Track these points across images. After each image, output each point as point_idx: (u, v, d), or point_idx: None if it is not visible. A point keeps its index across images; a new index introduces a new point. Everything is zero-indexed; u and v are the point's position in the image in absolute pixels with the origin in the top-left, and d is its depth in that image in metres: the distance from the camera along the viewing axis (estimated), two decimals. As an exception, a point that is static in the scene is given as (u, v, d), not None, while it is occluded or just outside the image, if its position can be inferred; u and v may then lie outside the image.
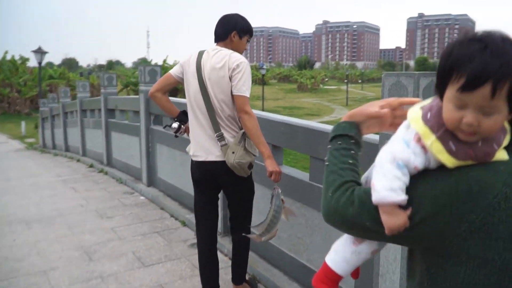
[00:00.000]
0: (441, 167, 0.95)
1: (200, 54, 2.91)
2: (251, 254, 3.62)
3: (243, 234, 2.96)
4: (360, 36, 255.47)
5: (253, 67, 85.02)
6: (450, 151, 0.93)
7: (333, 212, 1.08)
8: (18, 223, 4.97)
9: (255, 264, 3.70)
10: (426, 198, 0.95)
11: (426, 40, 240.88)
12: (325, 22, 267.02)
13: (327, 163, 1.14)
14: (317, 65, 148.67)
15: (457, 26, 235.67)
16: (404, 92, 2.23)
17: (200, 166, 2.96)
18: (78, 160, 9.49)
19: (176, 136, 3.30)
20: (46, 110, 14.76)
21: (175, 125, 3.18)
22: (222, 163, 2.85)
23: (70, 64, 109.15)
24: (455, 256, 0.94)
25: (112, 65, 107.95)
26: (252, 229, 2.92)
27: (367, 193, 1.02)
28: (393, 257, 2.30)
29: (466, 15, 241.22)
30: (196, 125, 2.93)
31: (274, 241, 3.63)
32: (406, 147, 0.98)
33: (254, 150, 2.93)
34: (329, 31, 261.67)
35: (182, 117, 3.19)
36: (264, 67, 41.23)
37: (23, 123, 23.64)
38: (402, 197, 0.96)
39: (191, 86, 2.91)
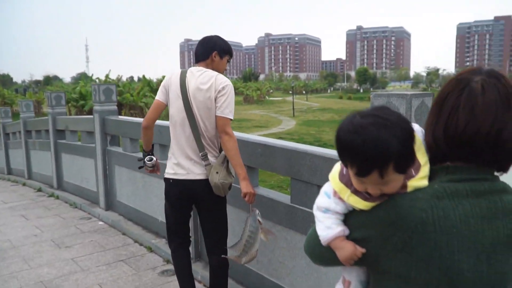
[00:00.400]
0: None
1: (183, 73, 2.92)
2: (229, 281, 3.52)
3: (223, 256, 2.97)
4: (302, 48, 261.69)
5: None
6: (365, 199, 1.10)
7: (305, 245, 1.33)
8: (-36, 259, 4.54)
9: None
10: (359, 228, 1.14)
11: (365, 52, 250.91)
12: (268, 35, 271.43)
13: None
14: (261, 77, 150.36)
15: (393, 38, 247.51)
16: (395, 113, 2.21)
17: (178, 184, 2.94)
18: (24, 184, 8.85)
19: (141, 167, 3.25)
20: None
21: (153, 161, 3.19)
22: (204, 182, 2.89)
23: (3, 80, 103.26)
24: (387, 273, 1.10)
25: (49, 81, 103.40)
26: (229, 250, 2.94)
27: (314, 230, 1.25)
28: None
29: (402, 27, 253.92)
30: (176, 144, 2.94)
31: (253, 266, 3.52)
32: (327, 198, 1.20)
33: (233, 171, 2.98)
34: (271, 43, 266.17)
35: (153, 151, 3.22)
36: None
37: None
38: (338, 229, 1.16)
39: (175, 106, 2.91)
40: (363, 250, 1.12)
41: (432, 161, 1.12)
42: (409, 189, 1.07)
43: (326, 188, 1.22)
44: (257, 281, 3.50)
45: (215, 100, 2.84)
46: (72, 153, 6.87)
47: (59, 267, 4.23)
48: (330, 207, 1.18)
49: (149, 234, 4.85)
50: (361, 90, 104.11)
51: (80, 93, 38.77)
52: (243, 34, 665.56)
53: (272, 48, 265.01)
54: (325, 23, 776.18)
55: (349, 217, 1.17)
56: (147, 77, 43.39)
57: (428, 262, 1.01)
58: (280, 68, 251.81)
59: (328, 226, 1.18)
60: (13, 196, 7.68)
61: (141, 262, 4.31)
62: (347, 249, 1.14)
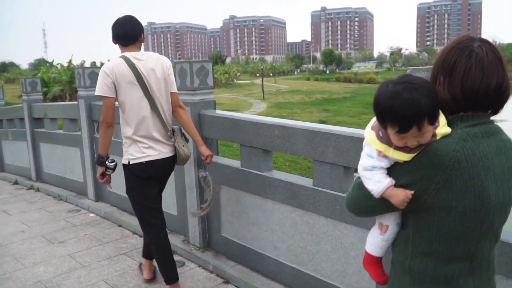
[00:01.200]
0: None
1: (128, 60, 2.96)
2: (243, 270, 3.58)
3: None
4: (267, 30, 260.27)
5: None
6: (407, 152, 1.32)
7: (348, 200, 1.56)
8: None
9: (251, 279, 3.43)
10: (404, 175, 1.35)
11: (330, 33, 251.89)
12: (232, 17, 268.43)
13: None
14: (228, 60, 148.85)
15: (357, 19, 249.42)
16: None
17: (154, 164, 3.10)
18: (-4, 177, 8.39)
19: (111, 171, 3.25)
20: None
21: (115, 163, 3.20)
22: (172, 158, 3.19)
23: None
24: (431, 209, 1.31)
25: (5, 67, 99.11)
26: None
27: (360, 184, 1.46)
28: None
29: (365, 8, 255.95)
30: (139, 128, 3.03)
31: (269, 253, 3.39)
32: (371, 158, 1.40)
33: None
34: (236, 25, 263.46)
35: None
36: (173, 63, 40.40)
37: None
38: (387, 180, 1.38)
39: (131, 95, 2.98)
40: (412, 192, 1.32)
41: (444, 113, 1.37)
42: (438, 137, 1.31)
43: (367, 150, 1.43)
44: (275, 268, 3.37)
45: (165, 80, 3.08)
46: (53, 142, 6.49)
47: (56, 264, 3.97)
48: (376, 164, 1.39)
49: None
50: (327, 71, 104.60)
51: (43, 80, 37.33)
52: (207, 17, 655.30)
53: (238, 30, 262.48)
54: (289, 4, 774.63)
55: (393, 169, 1.39)
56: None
57: (465, 192, 1.27)
58: (246, 50, 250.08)
59: (377, 181, 1.38)
60: (-13, 191, 7.23)
61: (143, 254, 4.10)
62: (399, 194, 1.34)
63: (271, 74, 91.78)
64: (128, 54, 3.00)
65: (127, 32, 3.02)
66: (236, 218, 3.71)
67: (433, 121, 1.28)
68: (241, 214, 3.65)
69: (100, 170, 3.22)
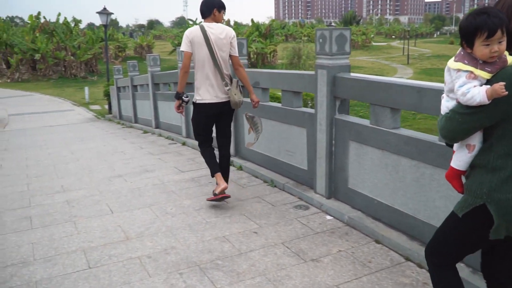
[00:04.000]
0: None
1: (202, 28, 4.27)
2: (364, 217, 3.44)
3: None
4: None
5: (296, 23, 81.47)
6: (488, 72, 1.78)
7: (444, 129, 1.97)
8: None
9: (371, 225, 2.43)
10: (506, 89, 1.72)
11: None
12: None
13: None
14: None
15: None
16: None
17: (213, 106, 4.38)
18: (184, 143, 7.97)
19: (185, 104, 4.56)
20: (121, 78, 13.42)
21: (188, 99, 4.51)
22: (227, 102, 4.42)
23: (111, 25, 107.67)
24: (510, 118, 1.76)
25: (152, 25, 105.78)
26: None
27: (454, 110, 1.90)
28: None
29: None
30: (206, 79, 4.33)
31: (408, 211, 2.35)
32: (463, 85, 1.80)
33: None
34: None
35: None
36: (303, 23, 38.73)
37: (86, 89, 22.46)
38: (483, 87, 1.77)
39: (201, 52, 4.26)
40: (503, 83, 1.70)
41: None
42: (509, 62, 1.78)
43: (459, 82, 1.82)
44: (398, 217, 3.52)
45: (229, 45, 4.35)
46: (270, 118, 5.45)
47: (330, 302, 2.90)
48: (469, 86, 1.78)
49: (417, 244, 3.36)
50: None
51: (190, 38, 38.28)
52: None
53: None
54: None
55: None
56: (255, 21, 41.61)
57: None
58: (379, 11, 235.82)
59: (478, 92, 1.75)
60: (181, 161, 6.65)
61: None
62: (495, 87, 1.71)
63: (408, 37, 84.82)
64: (204, 24, 4.32)
65: (202, 9, 4.32)
66: (362, 172, 4.00)
67: (508, 32, 1.77)
68: (367, 167, 3.91)
69: (177, 103, 4.53)
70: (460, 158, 1.97)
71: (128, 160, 7.27)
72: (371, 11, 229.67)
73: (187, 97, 4.45)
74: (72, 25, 35.51)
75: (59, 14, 34.55)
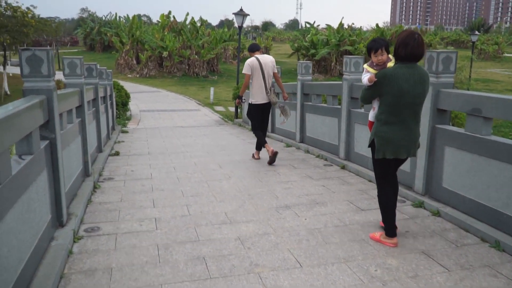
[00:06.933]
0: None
1: (257, 59, 7.48)
2: (456, 212, 4.64)
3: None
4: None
5: (413, 30, 76.58)
6: (376, 69, 4.05)
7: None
8: None
9: (461, 218, 4.25)
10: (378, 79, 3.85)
11: None
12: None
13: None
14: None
15: None
16: None
17: (258, 105, 7.64)
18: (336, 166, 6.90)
19: (243, 103, 8.60)
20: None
21: (244, 100, 8.62)
22: (269, 103, 7.63)
23: (228, 25, 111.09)
24: (384, 94, 3.81)
25: (267, 27, 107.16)
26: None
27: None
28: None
29: None
30: (258, 88, 7.53)
31: (487, 202, 3.98)
32: (364, 74, 4.14)
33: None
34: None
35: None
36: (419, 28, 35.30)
37: (212, 90, 22.64)
38: (367, 75, 4.10)
39: (258, 74, 7.46)
40: (375, 79, 3.81)
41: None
42: (388, 66, 4.03)
43: (363, 73, 4.18)
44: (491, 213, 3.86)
45: (272, 67, 7.62)
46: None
47: None
48: (365, 75, 4.06)
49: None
50: None
51: (312, 42, 37.56)
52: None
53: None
54: None
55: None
56: (380, 25, 39.55)
57: (393, 86, 3.73)
58: (509, 18, 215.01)
59: (364, 77, 4.07)
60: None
61: None
62: (370, 77, 3.89)
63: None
64: (257, 55, 7.60)
65: (252, 48, 7.88)
66: (456, 173, 4.57)
67: (386, 51, 4.06)
68: (462, 170, 4.45)
69: (237, 101, 8.29)
70: (371, 114, 4.26)
71: (286, 183, 6.38)
72: (499, 18, 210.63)
73: (244, 99, 8.36)
74: (198, 24, 36.57)
75: (187, 14, 35.78)
